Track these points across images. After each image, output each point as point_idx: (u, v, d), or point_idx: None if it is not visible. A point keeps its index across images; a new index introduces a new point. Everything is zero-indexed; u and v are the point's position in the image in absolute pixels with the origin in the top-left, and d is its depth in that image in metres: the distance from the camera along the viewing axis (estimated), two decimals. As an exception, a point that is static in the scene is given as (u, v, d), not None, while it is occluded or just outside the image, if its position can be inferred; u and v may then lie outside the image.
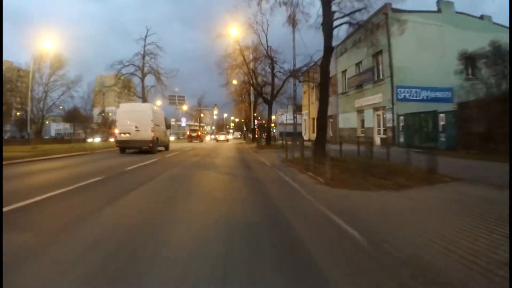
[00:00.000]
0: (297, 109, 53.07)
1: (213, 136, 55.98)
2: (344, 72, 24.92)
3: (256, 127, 38.15)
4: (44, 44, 27.33)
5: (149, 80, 35.70)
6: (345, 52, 24.41)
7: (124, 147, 14.23)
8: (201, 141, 40.30)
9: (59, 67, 36.58)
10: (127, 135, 13.88)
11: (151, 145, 13.84)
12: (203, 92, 77.78)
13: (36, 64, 34.29)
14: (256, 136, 32.94)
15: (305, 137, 32.04)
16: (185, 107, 62.01)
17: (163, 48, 37.67)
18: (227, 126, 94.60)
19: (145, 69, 33.31)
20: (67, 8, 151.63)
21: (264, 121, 56.77)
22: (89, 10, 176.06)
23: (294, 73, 20.46)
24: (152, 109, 14.78)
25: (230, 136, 60.68)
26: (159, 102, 35.35)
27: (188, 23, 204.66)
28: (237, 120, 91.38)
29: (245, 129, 59.08)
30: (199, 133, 42.78)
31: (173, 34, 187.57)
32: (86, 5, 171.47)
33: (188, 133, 41.95)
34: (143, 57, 32.76)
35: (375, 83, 20.13)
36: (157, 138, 14.48)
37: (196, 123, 72.63)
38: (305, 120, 37.04)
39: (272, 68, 21.90)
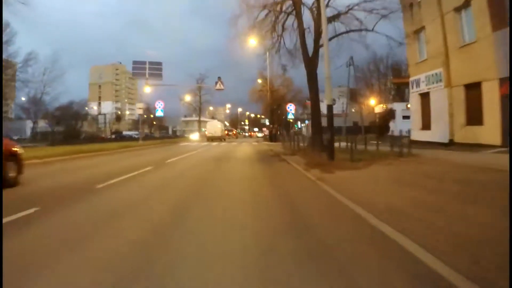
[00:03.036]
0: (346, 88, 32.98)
1: (246, 134, 77.28)
2: None
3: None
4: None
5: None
6: None
7: (210, 139, 37.30)
8: (236, 137, 57.52)
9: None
10: (211, 134, 38.25)
11: (221, 138, 39.47)
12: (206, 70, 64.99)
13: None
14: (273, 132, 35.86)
15: (423, 136, 15.98)
16: (187, 97, 49.11)
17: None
18: (242, 123, 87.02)
19: None
20: None
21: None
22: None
23: None
24: (220, 124, 44.48)
25: (260, 134, 65.28)
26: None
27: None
28: (252, 115, 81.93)
29: (268, 124, 43.95)
30: (234, 132, 63.90)
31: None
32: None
33: (226, 132, 52.13)
34: None
35: None
36: (221, 135, 40.36)
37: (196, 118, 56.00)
38: (422, 95, 16.58)
39: None
